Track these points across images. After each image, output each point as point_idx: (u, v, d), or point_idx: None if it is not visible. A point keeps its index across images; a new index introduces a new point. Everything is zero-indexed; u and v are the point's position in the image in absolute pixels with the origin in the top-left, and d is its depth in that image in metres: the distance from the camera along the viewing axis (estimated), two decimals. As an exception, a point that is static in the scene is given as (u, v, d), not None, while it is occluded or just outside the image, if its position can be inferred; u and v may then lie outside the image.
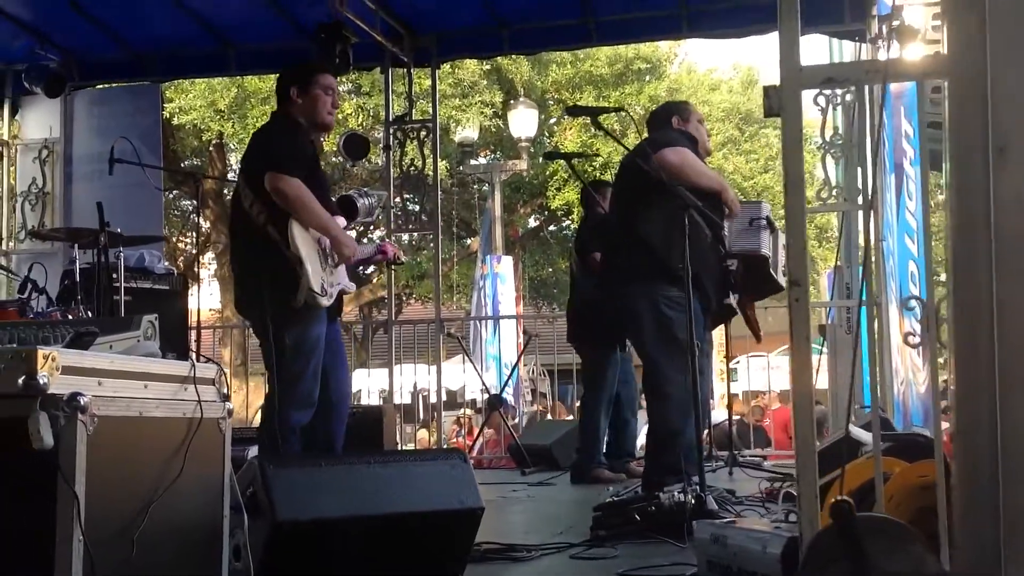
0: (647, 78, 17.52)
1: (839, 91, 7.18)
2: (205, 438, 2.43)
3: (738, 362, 12.05)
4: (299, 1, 7.84)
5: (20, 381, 1.96)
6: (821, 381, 7.70)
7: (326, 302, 4.23)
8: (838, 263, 7.66)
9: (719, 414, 9.33)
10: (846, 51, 8.43)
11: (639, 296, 4.77)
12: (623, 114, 17.17)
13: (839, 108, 7.45)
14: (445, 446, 9.20)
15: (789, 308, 2.28)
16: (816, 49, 9.37)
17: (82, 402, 2.01)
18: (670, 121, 5.05)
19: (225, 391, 2.56)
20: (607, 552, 3.64)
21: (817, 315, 8.16)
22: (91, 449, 2.04)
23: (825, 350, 7.73)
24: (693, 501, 3.89)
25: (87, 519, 1.99)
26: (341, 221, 4.51)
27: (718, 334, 11.58)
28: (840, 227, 8.26)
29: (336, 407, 4.49)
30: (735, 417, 8.59)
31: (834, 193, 7.35)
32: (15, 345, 2.13)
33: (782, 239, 5.43)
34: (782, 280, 5.23)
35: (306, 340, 4.25)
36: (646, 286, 4.75)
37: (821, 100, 7.28)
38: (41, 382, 1.97)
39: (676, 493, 3.99)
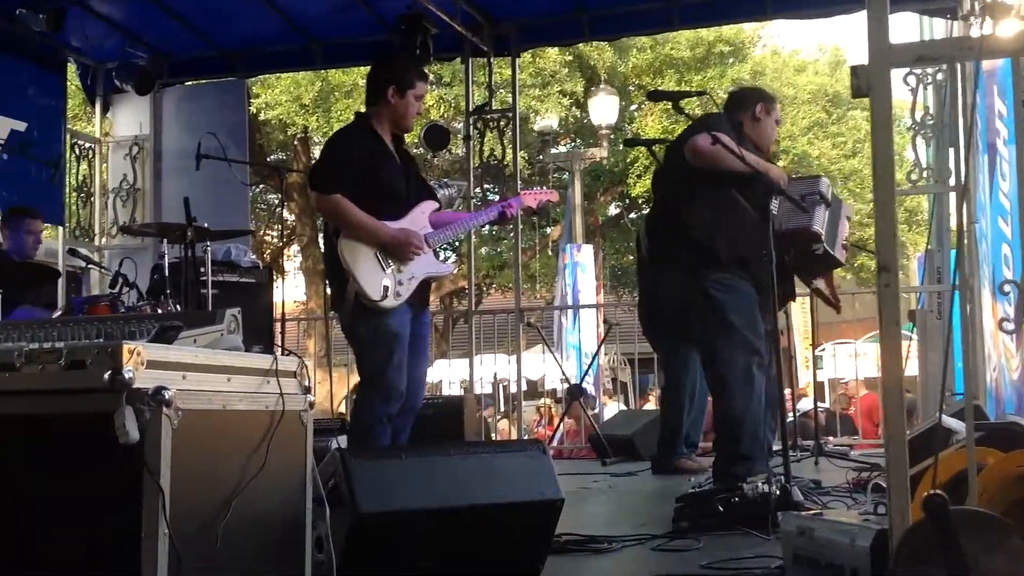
0: (730, 61, 17.26)
1: (929, 70, 6.98)
2: (287, 431, 2.45)
3: (823, 349, 11.85)
4: (379, -8, 7.90)
5: (106, 376, 1.99)
6: (911, 368, 7.52)
7: (391, 303, 4.32)
8: (929, 247, 7.47)
9: (805, 403, 9.18)
10: (937, 29, 8.19)
11: (686, 283, 4.73)
12: (705, 98, 17.08)
13: (930, 88, 7.25)
14: (525, 436, 9.23)
15: (878, 294, 2.21)
16: (906, 27, 9.14)
17: (167, 396, 2.04)
18: (748, 110, 4.96)
19: (307, 384, 2.58)
20: (690, 544, 3.59)
21: (907, 301, 7.96)
22: (176, 443, 2.07)
23: (915, 336, 7.53)
24: (778, 492, 3.83)
25: (172, 512, 2.02)
26: (428, 206, 4.54)
27: (802, 321, 11.40)
28: (931, 210, 8.04)
29: (408, 402, 4.53)
30: (821, 405, 8.44)
31: (925, 175, 7.17)
32: (102, 340, 2.16)
33: (847, 211, 5.27)
34: (841, 256, 5.06)
35: (384, 333, 4.33)
36: (692, 272, 4.69)
37: (911, 80, 7.10)
38: (127, 377, 2.00)
39: (760, 484, 3.92)
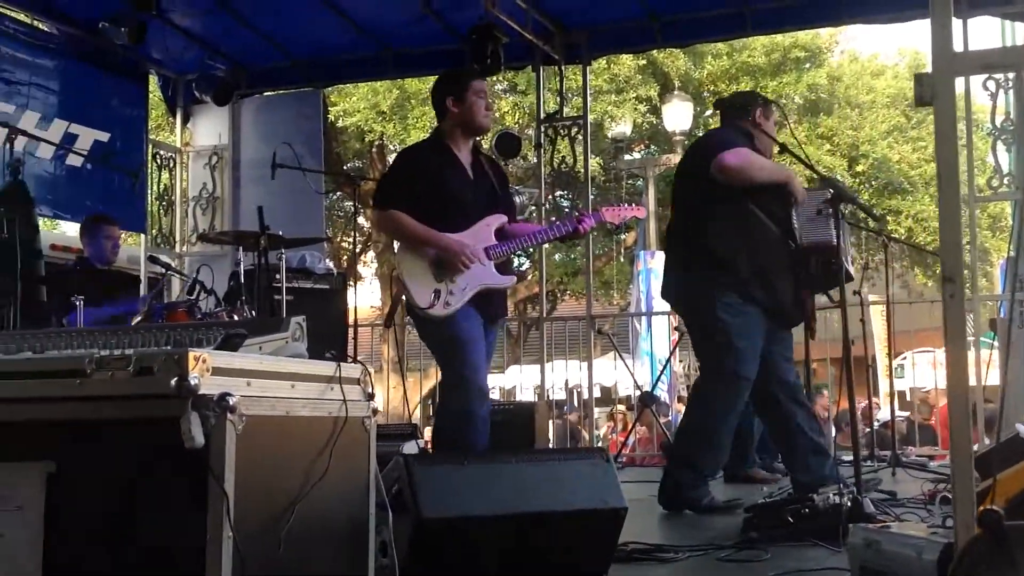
0: (806, 67, 17.03)
1: (1011, 75, 6.82)
2: (350, 436, 2.48)
3: (904, 358, 11.62)
4: (451, 4, 7.96)
5: (173, 382, 2.04)
6: (992, 378, 7.34)
7: (439, 312, 4.38)
8: (1011, 253, 7.28)
9: (883, 412, 9.01)
10: (1019, 33, 8.00)
11: (699, 297, 4.75)
12: (781, 103, 16.85)
13: (1010, 92, 7.08)
14: (599, 444, 9.20)
15: (944, 305, 2.17)
16: (988, 31, 8.94)
17: (231, 402, 2.08)
18: (747, 115, 4.88)
19: (370, 390, 2.61)
20: (757, 555, 3.55)
21: (989, 309, 7.78)
22: (240, 448, 2.11)
23: (996, 345, 7.36)
24: (849, 503, 3.77)
25: (236, 516, 2.05)
26: (495, 219, 4.58)
27: (881, 328, 11.16)
28: (1013, 216, 7.85)
29: None
30: (900, 415, 8.28)
31: (1006, 181, 7.00)
32: (170, 347, 2.22)
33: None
34: (852, 269, 5.03)
35: (449, 339, 4.43)
36: (707, 288, 4.69)
37: (991, 85, 6.95)
38: (193, 383, 2.04)
39: (832, 495, 3.87)
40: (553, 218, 8.59)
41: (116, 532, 2.11)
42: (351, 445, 2.50)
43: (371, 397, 2.61)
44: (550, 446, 8.77)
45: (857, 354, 6.59)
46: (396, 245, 4.54)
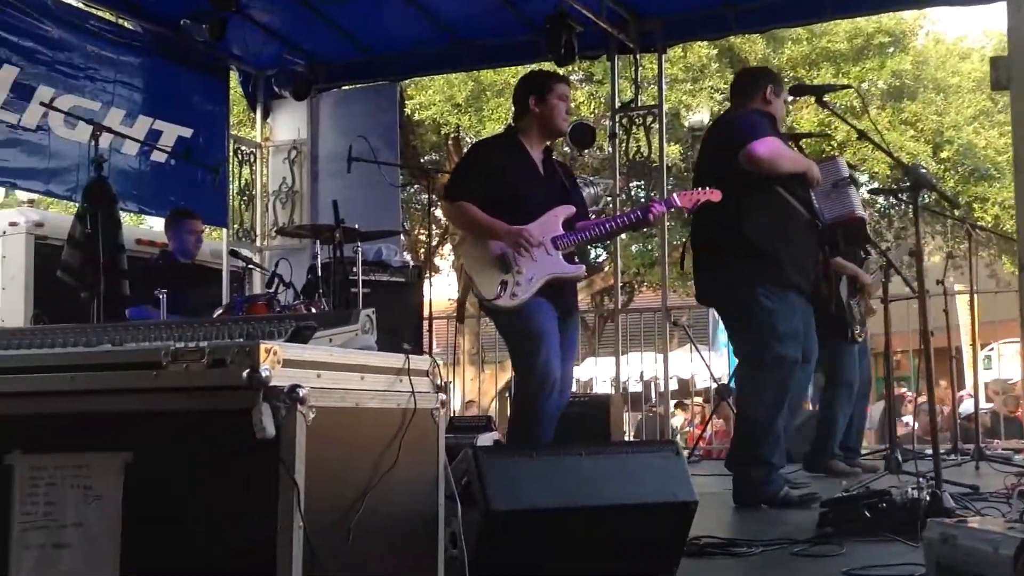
0: (890, 51, 16.64)
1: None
2: (419, 428, 2.50)
3: (992, 349, 11.34)
4: (524, -6, 7.98)
5: (245, 374, 2.07)
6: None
7: (505, 303, 4.40)
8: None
9: (967, 404, 8.81)
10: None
11: (736, 286, 4.75)
12: (864, 88, 16.49)
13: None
14: (676, 436, 9.14)
15: (1020, 293, 2.13)
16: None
17: (301, 393, 2.11)
18: (758, 92, 4.87)
19: (439, 382, 2.63)
20: (832, 550, 3.51)
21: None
22: (310, 439, 2.13)
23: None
24: (928, 498, 3.70)
25: (306, 507, 2.08)
26: (563, 210, 4.57)
27: (967, 319, 10.89)
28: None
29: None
30: (985, 407, 8.08)
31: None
32: (242, 340, 2.26)
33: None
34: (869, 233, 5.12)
35: (521, 331, 4.45)
36: (745, 276, 4.71)
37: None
38: (264, 375, 2.07)
39: (910, 489, 3.81)
40: (626, 208, 8.56)
41: (189, 522, 2.16)
42: (420, 437, 2.52)
43: (440, 389, 2.63)
44: (626, 439, 8.76)
45: (942, 345, 6.49)
46: (462, 238, 4.57)
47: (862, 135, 4.59)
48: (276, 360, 2.13)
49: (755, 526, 4.24)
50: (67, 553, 2.22)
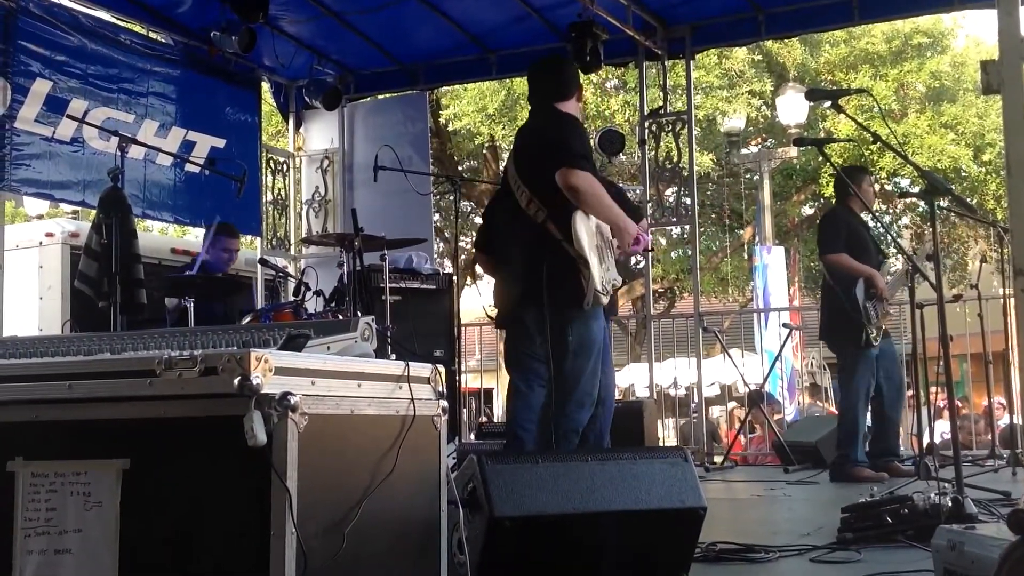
0: (928, 53, 16.44)
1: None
2: (419, 435, 2.51)
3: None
4: (550, 2, 7.98)
5: (236, 382, 2.09)
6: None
7: (605, 299, 4.25)
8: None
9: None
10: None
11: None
12: (903, 92, 16.28)
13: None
14: (711, 442, 9.07)
15: (1016, 299, 2.09)
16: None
17: (292, 401, 2.13)
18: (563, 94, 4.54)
19: (440, 389, 2.64)
20: (850, 556, 3.48)
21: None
22: (303, 446, 2.15)
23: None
24: (949, 504, 3.65)
25: (299, 513, 2.10)
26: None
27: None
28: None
29: (604, 403, 4.59)
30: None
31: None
32: (235, 348, 2.28)
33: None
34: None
35: (588, 339, 4.26)
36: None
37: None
38: (255, 383, 2.10)
39: (932, 495, 3.75)
40: (657, 214, 8.52)
41: (184, 527, 2.18)
42: (421, 443, 2.52)
43: (442, 396, 2.64)
44: (661, 444, 8.71)
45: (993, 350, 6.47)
46: (574, 219, 4.13)
47: (877, 139, 4.54)
48: (267, 368, 2.15)
49: (776, 532, 4.19)
50: (68, 558, 2.25)
